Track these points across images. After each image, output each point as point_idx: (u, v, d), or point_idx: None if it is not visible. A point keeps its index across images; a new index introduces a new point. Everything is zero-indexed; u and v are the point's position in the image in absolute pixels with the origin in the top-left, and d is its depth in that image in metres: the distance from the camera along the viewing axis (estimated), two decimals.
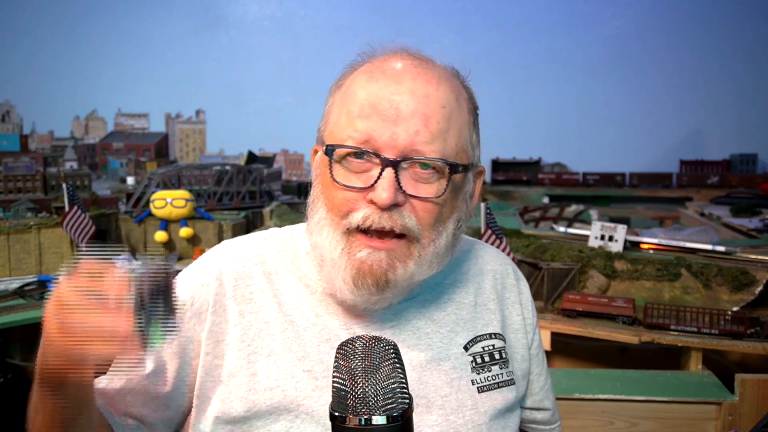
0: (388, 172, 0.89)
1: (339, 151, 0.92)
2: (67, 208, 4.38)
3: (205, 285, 1.01)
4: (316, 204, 0.98)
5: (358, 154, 0.91)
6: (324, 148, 0.94)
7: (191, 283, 1.02)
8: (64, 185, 4.62)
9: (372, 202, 0.90)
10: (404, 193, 0.91)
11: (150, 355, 0.98)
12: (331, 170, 0.93)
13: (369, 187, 0.90)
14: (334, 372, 0.75)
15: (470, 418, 1.01)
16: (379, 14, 10.28)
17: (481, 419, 1.02)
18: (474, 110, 1.01)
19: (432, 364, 1.02)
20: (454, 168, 0.93)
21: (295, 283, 1.03)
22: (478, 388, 1.04)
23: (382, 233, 0.92)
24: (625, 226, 3.91)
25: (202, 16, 10.57)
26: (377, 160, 0.90)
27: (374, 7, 10.37)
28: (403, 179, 0.90)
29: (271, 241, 1.09)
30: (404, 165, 0.90)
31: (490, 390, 1.05)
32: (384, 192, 0.88)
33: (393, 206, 0.90)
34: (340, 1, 10.60)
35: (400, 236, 0.92)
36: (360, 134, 0.91)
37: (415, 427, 0.96)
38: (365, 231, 0.92)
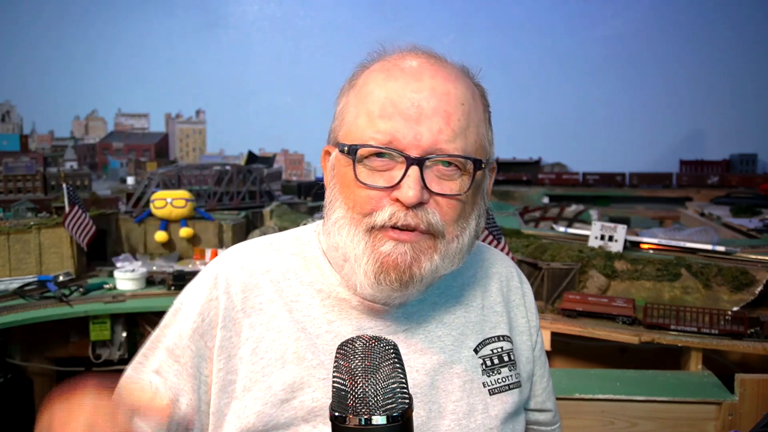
0: (413, 170, 0.89)
1: (362, 151, 0.91)
2: (67, 208, 4.37)
3: (214, 299, 1.00)
4: (334, 204, 0.96)
5: (381, 153, 0.91)
6: (346, 148, 0.93)
7: (199, 298, 1.00)
8: (64, 185, 4.62)
9: (397, 200, 0.90)
10: (429, 190, 0.91)
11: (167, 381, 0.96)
12: (354, 170, 0.92)
13: (394, 186, 0.90)
14: (334, 372, 0.75)
15: (482, 422, 1.01)
16: (379, 14, 10.28)
17: (492, 423, 1.02)
18: (487, 107, 1.01)
19: (444, 367, 1.01)
20: (477, 164, 0.93)
21: (306, 289, 1.02)
22: (489, 390, 1.04)
23: (406, 228, 0.91)
24: (625, 226, 3.91)
25: (202, 16, 10.56)
26: (401, 159, 0.90)
27: (374, 7, 10.36)
28: (427, 177, 0.90)
29: (277, 246, 1.07)
30: (428, 163, 0.90)
31: (501, 392, 1.05)
32: (410, 190, 0.88)
33: (418, 204, 0.90)
34: (340, 1, 10.59)
35: (425, 232, 0.92)
36: (383, 135, 0.90)
37: None
38: (389, 227, 0.92)
